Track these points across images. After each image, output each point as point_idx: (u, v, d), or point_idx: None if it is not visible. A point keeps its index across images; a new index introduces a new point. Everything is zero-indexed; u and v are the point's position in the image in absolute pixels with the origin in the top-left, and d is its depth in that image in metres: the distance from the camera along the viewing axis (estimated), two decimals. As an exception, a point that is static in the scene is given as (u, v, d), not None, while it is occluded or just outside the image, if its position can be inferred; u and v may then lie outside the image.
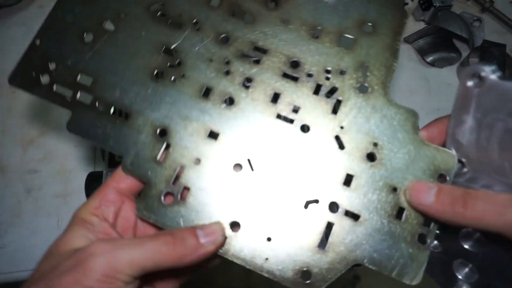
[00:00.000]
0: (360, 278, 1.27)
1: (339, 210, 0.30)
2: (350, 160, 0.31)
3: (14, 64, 0.35)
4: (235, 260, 0.29)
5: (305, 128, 0.32)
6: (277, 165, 0.31)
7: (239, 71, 0.33)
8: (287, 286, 0.28)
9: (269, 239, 0.29)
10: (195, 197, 0.30)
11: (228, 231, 0.30)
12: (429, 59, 0.61)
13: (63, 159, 0.55)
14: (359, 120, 0.31)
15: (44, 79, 0.34)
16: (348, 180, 0.30)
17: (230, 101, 0.33)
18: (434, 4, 0.60)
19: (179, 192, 0.31)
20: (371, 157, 0.31)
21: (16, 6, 0.65)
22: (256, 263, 0.29)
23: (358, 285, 1.27)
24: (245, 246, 0.29)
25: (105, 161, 0.49)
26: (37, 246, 0.50)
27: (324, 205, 0.30)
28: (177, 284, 0.32)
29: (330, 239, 0.29)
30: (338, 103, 0.32)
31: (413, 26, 0.64)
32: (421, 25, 0.63)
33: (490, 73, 0.25)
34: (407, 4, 0.65)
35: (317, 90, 0.32)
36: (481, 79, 0.25)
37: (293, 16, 0.34)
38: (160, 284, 0.31)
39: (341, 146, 0.31)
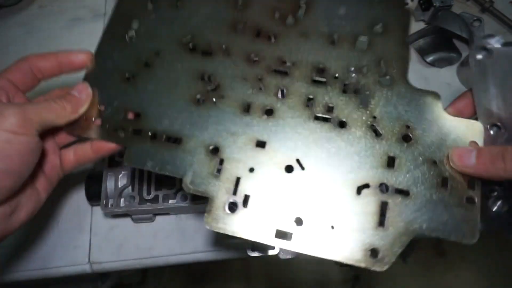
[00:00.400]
0: (360, 278, 1.30)
1: (389, 189, 0.33)
2: (388, 145, 0.34)
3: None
4: (305, 252, 0.32)
5: (342, 124, 0.35)
6: (324, 160, 0.34)
7: (272, 84, 0.37)
8: (361, 266, 0.31)
9: (332, 227, 0.32)
10: (256, 202, 0.33)
11: (294, 228, 0.32)
12: (429, 59, 0.61)
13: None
14: (388, 108, 0.35)
15: (97, 121, 0.37)
16: (390, 162, 0.34)
17: (270, 112, 0.36)
18: (434, 4, 0.59)
19: (241, 201, 0.33)
20: (406, 138, 0.34)
21: (16, 6, 0.66)
22: (326, 250, 0.31)
23: (358, 285, 1.29)
24: (312, 238, 0.32)
25: (104, 161, 0.48)
26: (37, 246, 0.50)
27: (374, 188, 0.33)
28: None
29: (387, 216, 0.32)
30: (366, 97, 0.36)
31: (413, 26, 0.62)
32: (421, 25, 0.63)
33: (495, 43, 0.29)
34: (407, 4, 0.67)
35: (345, 89, 0.36)
36: (488, 51, 0.29)
37: (311, 29, 0.39)
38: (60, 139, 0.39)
39: (378, 133, 0.35)
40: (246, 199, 0.33)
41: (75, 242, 0.49)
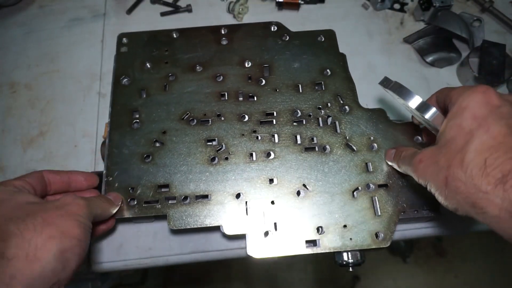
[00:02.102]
0: (360, 278, 1.35)
1: (374, 187, 0.45)
2: (362, 155, 0.47)
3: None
4: (331, 250, 0.42)
5: (325, 148, 0.47)
6: (322, 179, 0.45)
7: (265, 132, 0.48)
8: (371, 248, 0.42)
9: (345, 226, 0.43)
10: (283, 225, 0.43)
11: (317, 235, 0.43)
12: (429, 59, 0.61)
13: (63, 159, 0.55)
14: (353, 128, 0.48)
15: (132, 202, 0.44)
16: (367, 167, 0.46)
17: (270, 155, 0.47)
18: (434, 4, 0.60)
19: (272, 228, 0.43)
20: (373, 147, 0.47)
21: (16, 6, 0.67)
22: (346, 244, 0.42)
23: (358, 285, 1.35)
24: (333, 239, 0.43)
25: (104, 162, 0.48)
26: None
27: (363, 188, 0.45)
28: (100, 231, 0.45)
29: (378, 206, 0.44)
30: (335, 125, 0.48)
31: (413, 26, 0.65)
32: (421, 25, 0.64)
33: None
34: (407, 4, 0.66)
35: (319, 123, 0.48)
36: None
37: (279, 84, 0.51)
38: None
39: (352, 149, 0.47)
40: (275, 225, 0.43)
41: None
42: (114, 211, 0.43)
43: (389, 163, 0.45)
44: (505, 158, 0.29)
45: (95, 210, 0.39)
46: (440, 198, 0.33)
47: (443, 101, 0.38)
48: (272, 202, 0.44)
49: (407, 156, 0.39)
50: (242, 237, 0.44)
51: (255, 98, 0.50)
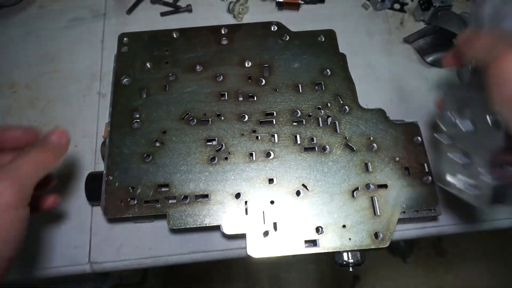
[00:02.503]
0: (360, 278, 1.35)
1: (373, 187, 0.45)
2: (362, 155, 0.47)
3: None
4: (331, 250, 0.42)
5: (324, 148, 0.47)
6: (322, 179, 0.46)
7: (264, 132, 0.48)
8: (370, 248, 0.42)
9: (344, 226, 0.43)
10: (283, 224, 0.43)
11: (316, 235, 0.43)
12: (429, 59, 0.61)
13: (63, 159, 0.51)
14: (353, 128, 0.48)
15: (132, 202, 0.44)
16: (366, 167, 0.46)
17: (270, 154, 0.47)
18: (434, 4, 0.60)
19: (271, 228, 0.43)
20: (372, 147, 0.47)
21: (16, 6, 0.67)
22: (345, 244, 0.42)
23: (358, 285, 1.35)
24: (332, 239, 0.43)
25: (105, 161, 0.48)
26: (37, 246, 0.50)
27: (363, 188, 0.45)
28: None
29: (378, 206, 0.44)
30: (335, 125, 0.48)
31: (413, 26, 0.65)
32: (421, 25, 0.64)
33: None
34: (407, 4, 0.67)
35: (319, 123, 0.48)
36: None
37: (278, 84, 0.51)
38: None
39: (352, 149, 0.47)
40: (274, 225, 0.43)
41: (75, 242, 0.50)
42: (62, 156, 0.37)
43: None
44: None
45: (30, 178, 0.33)
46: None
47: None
48: (272, 202, 0.45)
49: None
50: (242, 237, 0.44)
51: (255, 98, 0.50)
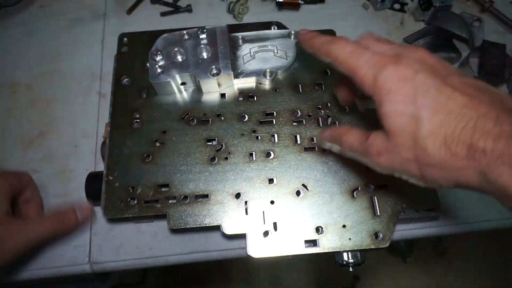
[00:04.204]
0: (360, 278, 1.36)
1: (373, 187, 0.45)
2: (361, 155, 0.47)
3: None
4: (330, 250, 0.42)
5: (324, 148, 0.47)
6: (322, 179, 0.46)
7: (264, 132, 0.48)
8: (370, 248, 0.42)
9: (344, 226, 0.43)
10: (283, 224, 0.43)
11: (316, 235, 0.43)
12: None
13: (63, 159, 0.55)
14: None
15: (132, 202, 0.44)
16: (366, 167, 0.46)
17: (270, 155, 0.47)
18: (434, 4, 0.60)
19: (271, 228, 0.43)
20: (372, 147, 0.47)
21: (16, 6, 0.67)
22: (345, 244, 0.42)
23: (358, 285, 1.35)
24: (332, 239, 0.43)
25: (105, 161, 0.48)
26: (37, 246, 0.50)
27: (363, 188, 0.45)
28: None
29: (378, 206, 0.44)
30: (335, 125, 0.48)
31: (412, 26, 0.65)
32: (421, 25, 0.64)
33: None
34: (406, 4, 0.67)
35: (319, 123, 0.48)
36: None
37: (278, 84, 0.51)
38: None
39: (352, 149, 0.47)
40: (275, 225, 0.43)
41: (75, 242, 0.50)
42: (77, 226, 0.47)
43: (327, 145, 0.40)
44: (459, 127, 0.27)
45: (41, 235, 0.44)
46: (421, 184, 0.32)
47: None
48: (272, 202, 0.45)
49: (356, 144, 0.36)
50: (242, 237, 0.44)
51: (255, 98, 0.50)
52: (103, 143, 0.49)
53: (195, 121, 0.49)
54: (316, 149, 0.47)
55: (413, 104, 0.29)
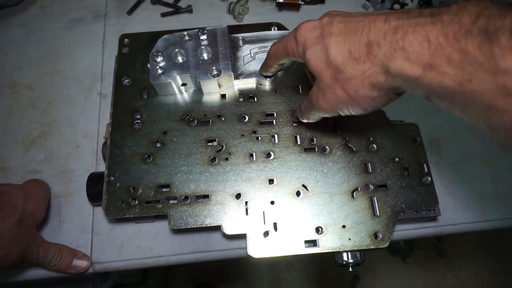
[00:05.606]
0: (360, 278, 1.36)
1: (372, 187, 0.45)
2: (361, 155, 0.47)
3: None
4: (330, 250, 0.43)
5: (324, 149, 0.47)
6: (322, 179, 0.46)
7: (265, 133, 0.48)
8: (370, 248, 0.42)
9: (344, 226, 0.44)
10: (283, 225, 0.44)
11: (316, 235, 0.43)
12: None
13: (64, 160, 0.55)
14: (353, 129, 0.48)
15: (133, 202, 0.45)
16: (366, 168, 0.47)
17: (270, 155, 0.47)
18: (434, 5, 0.60)
19: (271, 228, 0.44)
20: (372, 147, 0.48)
21: (17, 6, 0.67)
22: (345, 244, 0.43)
23: (358, 285, 1.36)
24: (331, 239, 0.43)
25: (106, 162, 0.48)
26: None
27: (362, 189, 0.45)
28: None
29: (377, 206, 0.44)
30: (335, 125, 0.49)
31: None
32: None
33: None
34: (406, 4, 0.68)
35: (318, 123, 0.49)
36: None
37: (279, 84, 0.51)
38: None
39: (352, 149, 0.47)
40: (275, 225, 0.44)
41: (77, 242, 0.50)
42: (68, 271, 0.48)
43: (304, 120, 0.45)
44: (358, 36, 0.31)
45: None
46: (359, 110, 0.35)
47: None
48: (272, 202, 0.45)
49: (307, 104, 0.41)
50: (242, 237, 0.45)
51: (255, 99, 0.51)
52: (104, 144, 0.50)
53: (196, 121, 0.49)
54: (316, 150, 0.47)
55: (322, 41, 0.35)
